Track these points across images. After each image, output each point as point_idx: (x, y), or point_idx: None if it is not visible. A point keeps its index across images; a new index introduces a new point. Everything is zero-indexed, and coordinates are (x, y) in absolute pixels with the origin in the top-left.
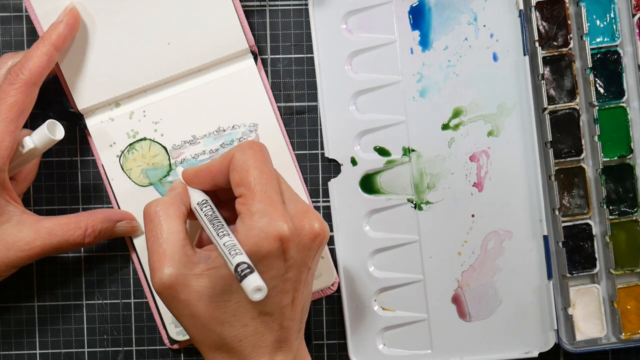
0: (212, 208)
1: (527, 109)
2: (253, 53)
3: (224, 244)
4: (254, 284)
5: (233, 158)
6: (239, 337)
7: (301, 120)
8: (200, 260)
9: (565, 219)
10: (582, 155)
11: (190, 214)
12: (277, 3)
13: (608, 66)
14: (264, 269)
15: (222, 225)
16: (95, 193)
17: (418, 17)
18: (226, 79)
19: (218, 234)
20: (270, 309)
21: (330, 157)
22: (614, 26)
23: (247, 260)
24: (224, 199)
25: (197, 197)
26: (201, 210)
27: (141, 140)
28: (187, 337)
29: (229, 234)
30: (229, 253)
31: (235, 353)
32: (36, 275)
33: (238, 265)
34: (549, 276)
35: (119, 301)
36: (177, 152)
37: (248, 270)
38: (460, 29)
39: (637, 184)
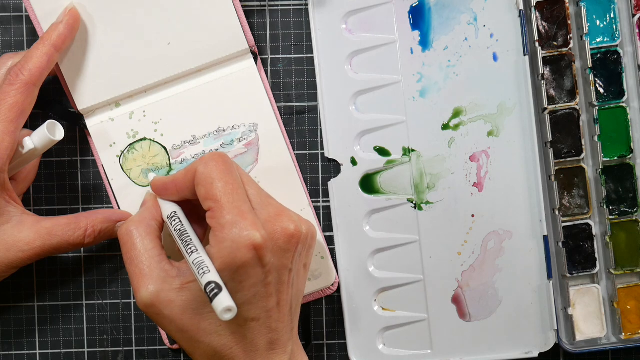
0: (180, 221)
1: (527, 109)
2: (253, 53)
3: (192, 262)
4: (223, 305)
5: (196, 172)
6: (229, 345)
7: (301, 120)
8: (178, 274)
9: (565, 219)
10: (582, 155)
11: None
12: (277, 3)
13: (608, 66)
14: (242, 278)
15: (191, 240)
16: (95, 193)
17: (418, 17)
18: (226, 79)
19: (186, 251)
20: (255, 314)
21: (330, 157)
22: (614, 26)
23: (216, 278)
24: (201, 208)
25: (167, 209)
26: (170, 224)
27: (141, 140)
28: None
29: (197, 250)
30: (198, 272)
31: (225, 350)
32: (36, 275)
33: (207, 285)
34: (549, 276)
35: (119, 301)
36: (177, 152)
37: (216, 290)
38: (460, 29)
39: (637, 184)
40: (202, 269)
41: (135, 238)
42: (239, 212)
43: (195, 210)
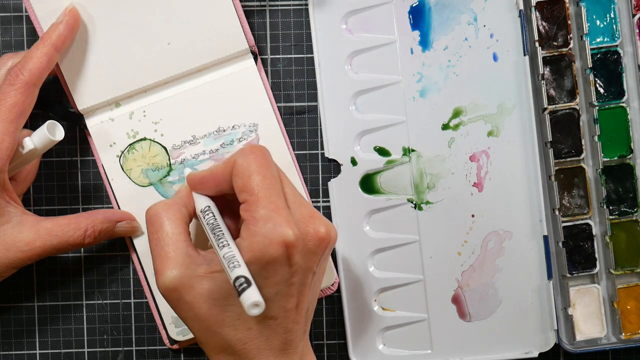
0: (214, 215)
1: (527, 109)
2: (253, 53)
3: (223, 256)
4: (251, 300)
5: (235, 164)
6: (244, 340)
7: (301, 120)
8: (203, 262)
9: (565, 219)
10: (582, 155)
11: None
12: (277, 3)
13: (608, 66)
14: (269, 275)
15: (223, 234)
16: (95, 193)
17: (418, 17)
18: (226, 79)
19: (218, 245)
20: (274, 313)
21: (330, 157)
22: (614, 26)
23: (246, 273)
24: (235, 203)
25: (201, 203)
26: (203, 218)
27: (141, 140)
28: (187, 337)
29: (228, 245)
30: (228, 266)
31: (239, 356)
32: (36, 275)
33: (236, 278)
34: (549, 276)
35: (119, 301)
36: (177, 152)
37: (245, 284)
38: (460, 29)
39: (637, 184)
40: (232, 262)
41: (164, 220)
42: (275, 207)
43: (229, 206)
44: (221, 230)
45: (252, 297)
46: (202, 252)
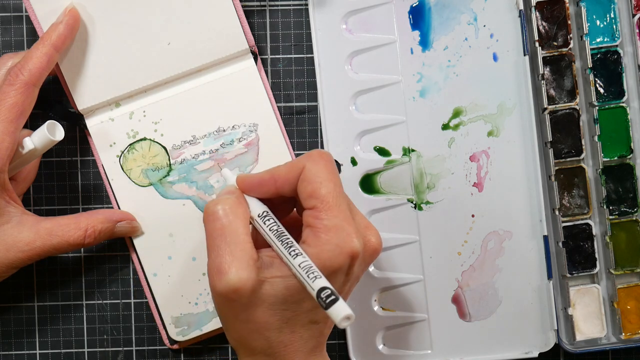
0: (275, 222)
1: (527, 109)
2: (253, 53)
3: (298, 265)
4: (344, 313)
5: (305, 169)
6: (285, 342)
7: (301, 120)
8: (264, 266)
9: (565, 219)
10: (582, 155)
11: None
12: (277, 3)
13: (608, 66)
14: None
15: (292, 242)
16: (95, 193)
17: (418, 17)
18: (226, 79)
19: (289, 253)
20: (318, 318)
21: None
22: (614, 26)
23: (329, 284)
24: (277, 204)
25: (256, 207)
26: (264, 224)
27: (141, 140)
28: (187, 337)
29: (302, 254)
30: (307, 276)
31: (274, 357)
32: (36, 275)
33: (321, 290)
34: (549, 276)
35: (119, 301)
36: (177, 152)
37: (333, 297)
38: (460, 29)
39: (637, 184)
40: (313, 272)
41: (232, 218)
42: (345, 217)
43: (273, 211)
44: (289, 238)
45: (343, 310)
46: (260, 255)
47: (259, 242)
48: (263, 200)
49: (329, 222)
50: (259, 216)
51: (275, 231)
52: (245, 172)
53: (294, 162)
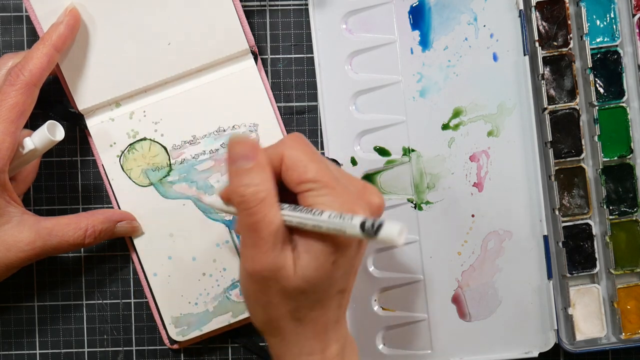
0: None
1: (527, 109)
2: (253, 53)
3: (328, 217)
4: (397, 229)
5: (284, 157)
6: (316, 319)
7: (301, 120)
8: (298, 246)
9: (565, 219)
10: (582, 155)
11: None
12: (277, 3)
13: (608, 66)
14: (344, 255)
15: (309, 209)
16: (95, 193)
17: (418, 17)
18: (226, 79)
19: (314, 214)
20: (344, 286)
21: (330, 157)
22: (614, 26)
23: (365, 217)
24: None
25: None
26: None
27: (141, 140)
28: (187, 337)
29: (324, 211)
30: (343, 220)
31: (306, 334)
32: (36, 275)
33: (364, 222)
34: (549, 276)
35: (119, 301)
36: (177, 152)
37: (379, 222)
38: (460, 29)
39: (637, 184)
40: (346, 216)
41: (276, 209)
42: (341, 189)
43: None
44: (303, 207)
45: (394, 227)
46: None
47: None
48: None
49: (327, 199)
50: None
51: (289, 206)
52: None
53: (271, 153)
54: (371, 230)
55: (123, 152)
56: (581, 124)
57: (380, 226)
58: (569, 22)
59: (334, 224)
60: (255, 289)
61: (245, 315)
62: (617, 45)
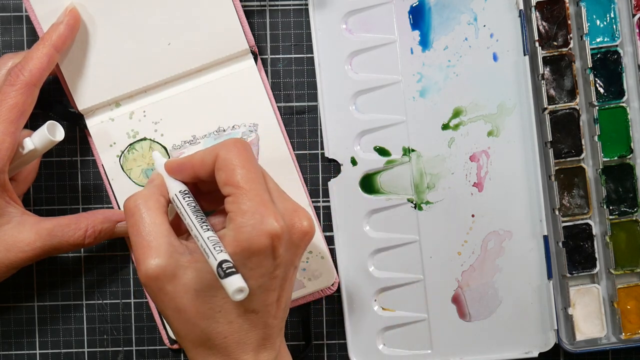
0: (193, 200)
1: (527, 109)
2: (253, 53)
3: (207, 238)
4: (237, 285)
5: (218, 157)
6: (224, 333)
7: (301, 120)
8: (186, 251)
9: (565, 219)
10: (582, 155)
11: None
12: (277, 3)
13: (608, 66)
14: (253, 266)
15: (204, 218)
16: (95, 193)
17: (418, 17)
18: (226, 79)
19: (201, 227)
20: (256, 306)
21: (330, 157)
22: (614, 26)
23: (231, 260)
24: (204, 190)
25: (176, 186)
26: (183, 199)
27: (141, 140)
28: None
29: (211, 229)
30: (213, 249)
31: (219, 349)
32: (36, 275)
33: (222, 262)
34: (549, 276)
35: (119, 301)
36: (177, 152)
37: (232, 269)
38: (460, 29)
39: (637, 184)
40: (217, 246)
41: (143, 210)
42: (261, 200)
43: (197, 195)
44: (202, 214)
45: (237, 281)
46: (183, 241)
47: (183, 229)
48: (198, 185)
49: (244, 206)
50: (179, 192)
51: (192, 207)
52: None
53: (208, 150)
54: (222, 272)
55: (123, 152)
56: (581, 124)
57: (228, 274)
58: (569, 22)
59: (206, 245)
60: (150, 295)
61: None
62: (617, 45)
